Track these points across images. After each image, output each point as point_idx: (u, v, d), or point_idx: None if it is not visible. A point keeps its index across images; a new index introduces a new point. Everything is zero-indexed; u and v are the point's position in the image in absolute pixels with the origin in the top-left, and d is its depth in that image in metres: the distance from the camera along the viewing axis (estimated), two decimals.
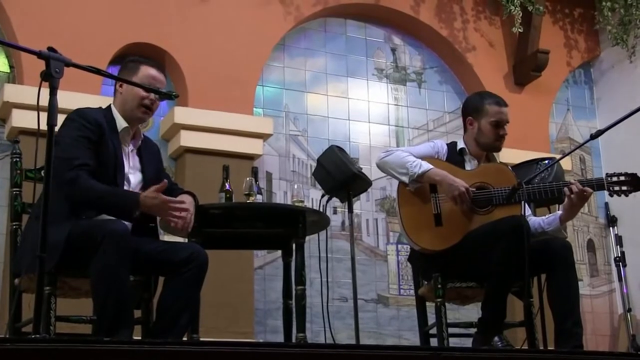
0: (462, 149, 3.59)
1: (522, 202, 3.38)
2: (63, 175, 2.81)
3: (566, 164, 5.99)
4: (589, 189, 3.33)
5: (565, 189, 3.34)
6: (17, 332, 2.91)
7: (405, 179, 3.45)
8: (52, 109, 2.25)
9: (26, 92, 4.61)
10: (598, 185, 3.36)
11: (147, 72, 3.08)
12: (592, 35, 6.78)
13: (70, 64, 2.33)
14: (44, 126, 2.23)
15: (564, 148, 6.53)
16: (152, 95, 3.06)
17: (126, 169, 3.06)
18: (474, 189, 3.42)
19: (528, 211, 3.60)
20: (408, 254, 3.76)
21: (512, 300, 3.58)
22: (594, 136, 3.08)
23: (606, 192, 3.39)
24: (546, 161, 3.85)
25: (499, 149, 3.61)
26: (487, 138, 3.54)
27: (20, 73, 4.93)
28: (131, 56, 3.20)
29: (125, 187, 3.04)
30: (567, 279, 3.27)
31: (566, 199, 3.37)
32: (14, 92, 4.76)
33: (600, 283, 6.42)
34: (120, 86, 3.12)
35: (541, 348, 3.58)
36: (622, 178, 3.36)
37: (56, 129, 2.26)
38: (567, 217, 3.45)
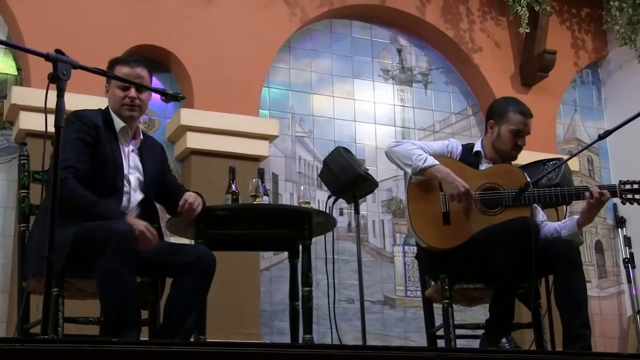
0: (477, 151, 3.57)
1: (532, 205, 3.37)
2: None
3: (574, 164, 5.97)
4: (607, 193, 3.31)
5: (587, 193, 3.33)
6: (25, 333, 2.93)
7: (409, 170, 3.45)
8: (60, 111, 2.26)
9: (33, 95, 4.62)
10: (610, 192, 3.34)
11: (120, 71, 3.07)
12: (600, 35, 6.76)
13: (77, 66, 2.34)
14: (51, 128, 2.24)
15: (572, 149, 6.51)
16: (131, 92, 3.06)
17: (125, 170, 3.06)
18: (480, 191, 3.40)
19: (544, 216, 3.58)
20: (415, 254, 3.76)
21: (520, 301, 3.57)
22: (602, 137, 3.07)
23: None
24: (553, 162, 3.83)
25: (514, 158, 3.59)
26: (503, 145, 3.52)
27: (27, 75, 4.94)
28: (112, 58, 3.20)
29: (125, 188, 3.04)
30: (573, 280, 3.26)
31: (585, 204, 3.35)
32: (21, 95, 4.77)
33: (609, 285, 6.39)
34: (107, 91, 3.15)
35: (549, 349, 3.57)
36: (635, 186, 3.34)
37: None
38: (585, 222, 3.43)
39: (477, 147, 3.59)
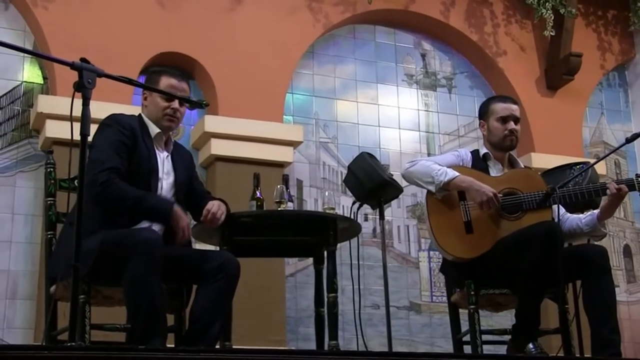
0: (485, 154, 3.59)
1: (556, 205, 3.35)
2: (94, 177, 2.86)
3: (600, 168, 5.91)
4: (624, 187, 3.30)
5: (607, 191, 3.31)
6: (53, 340, 2.94)
7: (432, 187, 3.44)
8: (85, 119, 2.28)
9: (59, 103, 4.67)
10: (628, 186, 3.32)
11: (167, 82, 3.13)
12: (627, 37, 6.69)
13: (103, 74, 2.36)
14: (77, 136, 2.26)
15: (598, 152, 6.44)
16: (175, 104, 3.11)
17: (160, 175, 3.10)
18: (501, 195, 3.39)
19: (562, 210, 3.55)
20: (440, 260, 3.74)
21: (547, 306, 3.54)
22: (629, 140, 3.04)
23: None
24: (580, 165, 3.80)
25: (511, 146, 3.59)
26: (496, 135, 3.55)
27: (53, 84, 5.00)
28: (153, 67, 3.26)
29: (158, 192, 3.08)
30: (603, 286, 3.24)
31: (603, 199, 3.34)
32: (47, 103, 4.82)
33: (638, 289, 6.31)
34: (145, 98, 3.19)
35: (577, 355, 3.52)
36: None
37: (89, 138, 2.29)
38: (605, 217, 3.43)
39: (483, 150, 3.61)
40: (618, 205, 3.42)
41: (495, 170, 3.56)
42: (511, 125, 3.53)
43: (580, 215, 3.53)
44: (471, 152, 3.63)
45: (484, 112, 3.63)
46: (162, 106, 3.12)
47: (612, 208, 3.38)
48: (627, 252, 6.38)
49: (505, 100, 3.62)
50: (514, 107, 3.59)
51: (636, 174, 3.36)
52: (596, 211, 3.46)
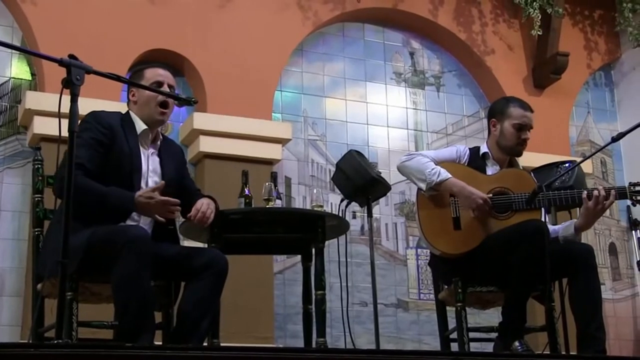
0: (485, 153, 3.58)
1: (546, 208, 3.36)
2: (59, 172, 2.85)
3: (587, 167, 5.95)
4: (611, 195, 3.28)
5: (584, 193, 3.31)
6: (40, 337, 2.94)
7: (423, 185, 3.45)
8: (73, 116, 2.27)
9: (47, 100, 4.65)
10: (620, 194, 3.32)
11: (153, 72, 3.13)
12: (613, 37, 6.73)
13: (91, 71, 2.36)
14: (65, 133, 2.25)
15: (585, 151, 6.48)
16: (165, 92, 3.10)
17: (145, 173, 3.08)
18: (491, 195, 3.40)
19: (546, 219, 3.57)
20: (428, 258, 3.75)
21: (534, 304, 3.55)
22: (615, 139, 3.06)
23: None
24: (566, 164, 3.82)
25: (519, 154, 3.58)
26: (508, 141, 3.52)
27: (41, 80, 4.98)
28: (135, 66, 3.26)
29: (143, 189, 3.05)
30: (589, 283, 3.26)
31: (583, 204, 3.33)
32: (35, 100, 4.80)
33: (623, 287, 6.36)
34: (133, 95, 3.17)
35: (563, 353, 3.55)
36: None
37: None
38: (582, 224, 3.41)
39: (484, 149, 3.60)
40: (596, 214, 3.37)
41: (492, 171, 3.55)
42: (526, 134, 3.51)
43: (557, 228, 3.53)
44: (470, 148, 3.62)
45: (498, 112, 3.57)
46: (153, 96, 3.09)
47: (589, 216, 3.34)
48: (612, 250, 6.42)
49: (525, 107, 3.54)
50: (531, 115, 3.54)
51: (629, 183, 3.35)
52: (574, 220, 3.46)
